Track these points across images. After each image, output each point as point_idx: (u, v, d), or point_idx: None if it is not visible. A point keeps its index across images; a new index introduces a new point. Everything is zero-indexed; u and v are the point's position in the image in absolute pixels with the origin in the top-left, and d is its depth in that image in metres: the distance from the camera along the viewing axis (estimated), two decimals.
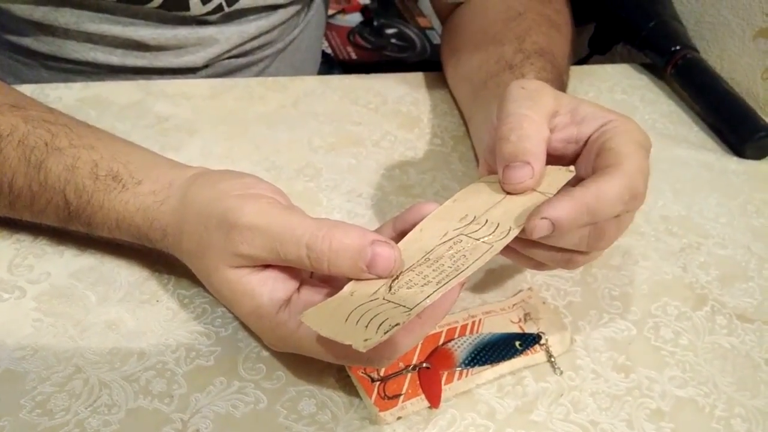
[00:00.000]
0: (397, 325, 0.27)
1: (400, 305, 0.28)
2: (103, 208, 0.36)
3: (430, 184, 0.51)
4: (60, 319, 0.37)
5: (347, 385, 0.36)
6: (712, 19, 0.71)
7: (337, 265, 0.30)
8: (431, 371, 0.37)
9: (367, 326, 0.27)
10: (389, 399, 0.35)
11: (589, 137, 0.37)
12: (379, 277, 0.30)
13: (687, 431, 0.37)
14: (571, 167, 0.37)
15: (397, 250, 0.31)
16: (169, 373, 0.35)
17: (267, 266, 0.33)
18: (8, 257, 0.40)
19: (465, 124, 0.57)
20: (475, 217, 0.35)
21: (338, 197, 0.48)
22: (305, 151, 0.52)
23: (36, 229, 0.41)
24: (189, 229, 0.34)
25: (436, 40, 1.07)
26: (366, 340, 0.26)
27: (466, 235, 0.33)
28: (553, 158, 0.38)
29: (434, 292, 0.29)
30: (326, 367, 0.37)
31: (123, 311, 0.38)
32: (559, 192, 0.35)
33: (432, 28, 1.10)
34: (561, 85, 0.50)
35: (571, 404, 0.37)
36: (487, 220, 0.34)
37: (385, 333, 0.27)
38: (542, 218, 0.32)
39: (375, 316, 0.28)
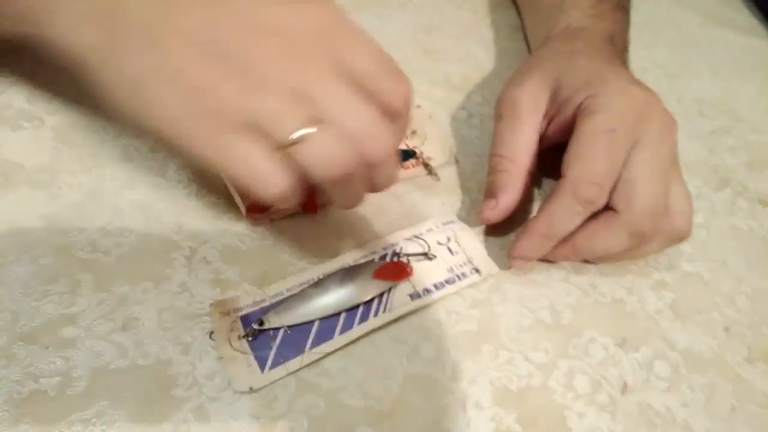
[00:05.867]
0: None
1: None
2: None
3: (454, 49, 0.49)
4: (76, 149, 0.38)
5: None
6: None
7: None
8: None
9: None
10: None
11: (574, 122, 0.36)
12: None
13: (688, 302, 0.37)
14: None
15: None
16: (180, 206, 0.36)
17: None
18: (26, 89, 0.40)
19: None
20: None
21: None
22: None
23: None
24: None
25: None
26: None
27: None
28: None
29: None
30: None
31: (138, 144, 0.38)
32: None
33: None
34: None
35: (572, 267, 0.38)
36: None
37: None
38: (513, 257, 0.36)
39: None
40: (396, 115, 0.29)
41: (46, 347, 0.30)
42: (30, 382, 0.29)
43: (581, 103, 0.35)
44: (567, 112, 0.36)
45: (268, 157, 0.28)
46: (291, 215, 0.36)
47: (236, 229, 0.36)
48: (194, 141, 0.28)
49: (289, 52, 0.27)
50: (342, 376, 0.31)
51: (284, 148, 0.27)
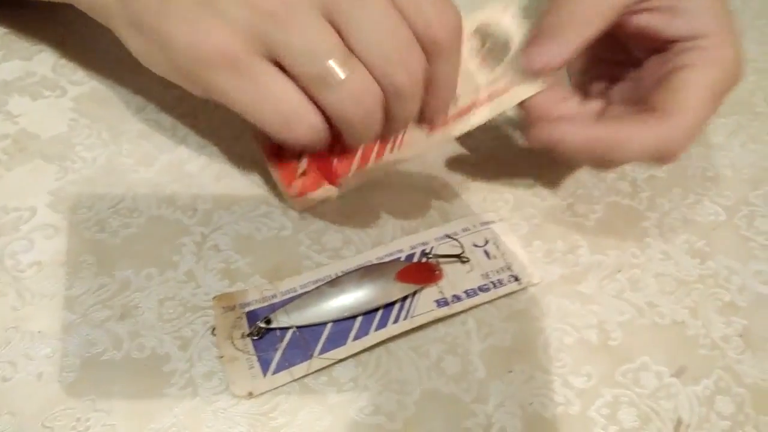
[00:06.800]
0: None
1: None
2: None
3: None
4: (95, 122, 0.36)
5: None
6: None
7: None
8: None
9: None
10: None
11: (673, 41, 0.30)
12: None
13: (761, 330, 0.32)
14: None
15: None
16: (196, 188, 0.34)
17: None
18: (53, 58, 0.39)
19: None
20: None
21: None
22: None
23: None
24: None
25: None
26: None
27: None
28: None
29: None
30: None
31: (160, 120, 0.36)
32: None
33: None
34: None
35: (628, 282, 0.33)
36: None
37: None
38: (549, 137, 0.30)
39: None
40: (440, 49, 0.26)
41: (39, 331, 0.28)
42: (16, 370, 0.27)
43: (697, 39, 0.29)
44: (674, 29, 0.30)
45: (299, 96, 0.25)
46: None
47: (253, 216, 0.33)
48: (213, 78, 0.25)
49: None
50: (352, 387, 0.28)
51: (316, 86, 0.24)
